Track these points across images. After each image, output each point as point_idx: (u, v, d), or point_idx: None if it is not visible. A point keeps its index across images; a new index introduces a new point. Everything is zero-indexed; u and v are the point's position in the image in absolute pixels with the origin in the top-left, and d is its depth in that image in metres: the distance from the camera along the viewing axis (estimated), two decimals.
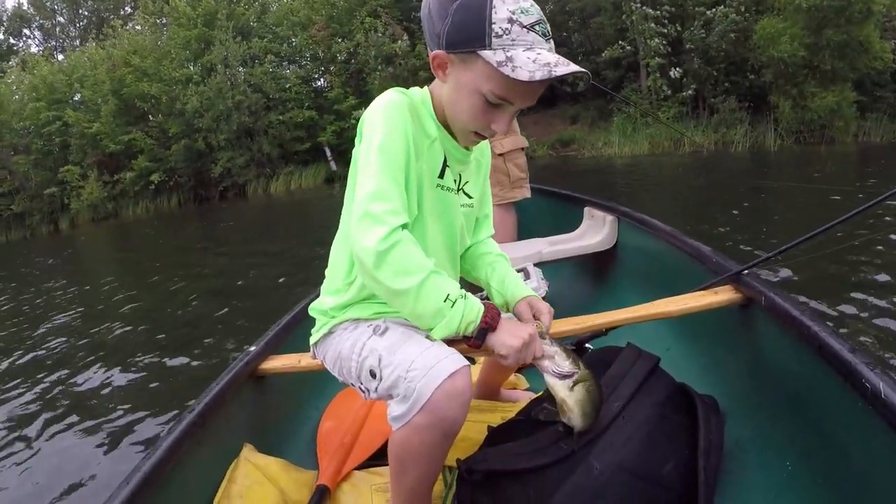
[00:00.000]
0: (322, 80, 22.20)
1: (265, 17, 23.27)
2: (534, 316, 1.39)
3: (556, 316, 2.00)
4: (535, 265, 2.50)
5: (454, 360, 1.13)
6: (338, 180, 19.11)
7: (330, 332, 1.35)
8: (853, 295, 3.53)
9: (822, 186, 6.93)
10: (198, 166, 20.81)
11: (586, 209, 3.04)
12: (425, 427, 1.11)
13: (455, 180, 1.37)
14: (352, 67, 20.29)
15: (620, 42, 17.85)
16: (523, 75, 1.08)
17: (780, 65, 15.43)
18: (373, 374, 1.20)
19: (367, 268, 1.13)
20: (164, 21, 23.53)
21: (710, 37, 16.49)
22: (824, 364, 1.19)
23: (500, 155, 3.01)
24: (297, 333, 2.00)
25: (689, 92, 16.92)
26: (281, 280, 5.99)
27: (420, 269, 1.12)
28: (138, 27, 24.28)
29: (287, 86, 20.70)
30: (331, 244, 1.41)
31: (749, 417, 1.52)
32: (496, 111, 1.19)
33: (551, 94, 20.30)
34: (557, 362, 1.20)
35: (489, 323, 1.16)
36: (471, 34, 1.11)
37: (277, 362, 1.83)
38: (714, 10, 16.56)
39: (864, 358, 1.10)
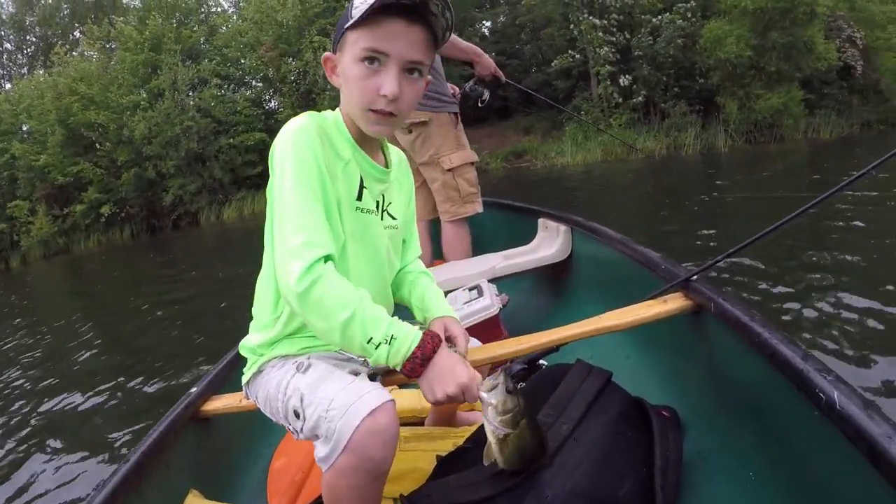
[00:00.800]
0: (273, 101, 22.03)
1: (213, 38, 23.01)
2: (447, 339, 1.32)
3: (514, 330, 1.95)
4: (490, 280, 2.44)
5: (376, 395, 1.07)
6: None
7: (259, 371, 1.29)
8: (805, 291, 3.58)
9: (771, 195, 7.08)
10: (149, 195, 20.41)
11: (540, 220, 3.00)
12: (350, 469, 1.04)
13: (378, 202, 1.32)
14: (301, 88, 20.20)
15: (570, 52, 18.14)
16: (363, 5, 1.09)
17: (728, 66, 15.89)
18: (297, 415, 1.14)
19: (293, 307, 1.10)
20: (113, 45, 23.08)
21: (657, 43, 16.84)
22: (777, 372, 1.15)
23: (449, 170, 2.96)
24: (240, 371, 1.91)
25: (640, 98, 17.31)
26: (235, 310, 5.80)
27: (343, 307, 1.07)
28: (87, 53, 23.73)
29: (237, 109, 20.42)
30: None
31: (710, 427, 1.47)
32: (378, 73, 1.13)
33: (504, 106, 20.55)
34: (490, 416, 1.12)
35: (409, 374, 1.12)
36: (341, 25, 1.17)
37: (220, 402, 1.74)
38: (660, 17, 16.94)
39: (816, 365, 1.06)
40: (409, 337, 1.11)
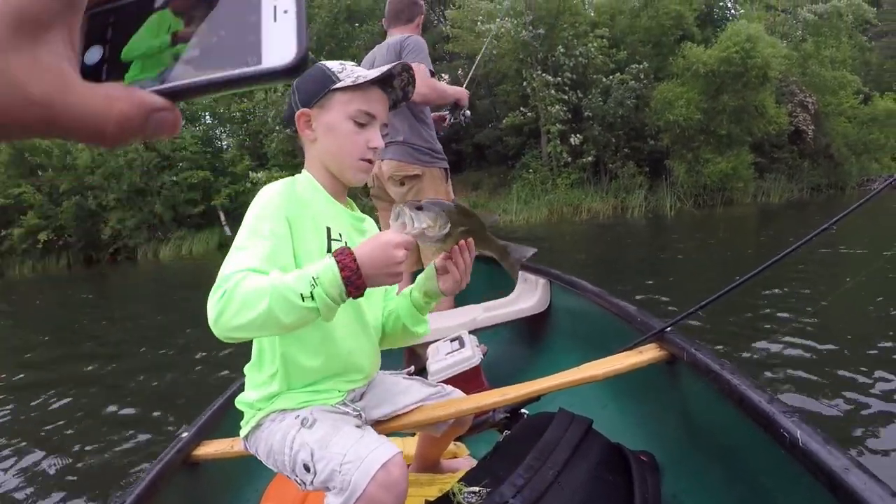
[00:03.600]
0: (221, 140, 21.86)
1: None
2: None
3: (494, 379, 2.00)
4: (471, 332, 2.50)
5: (385, 449, 1.15)
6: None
7: (258, 425, 1.33)
8: (772, 340, 3.94)
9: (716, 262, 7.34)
10: (88, 226, 19.76)
11: (519, 273, 3.09)
12: None
13: None
14: (251, 128, 20.11)
15: (522, 108, 18.31)
16: (374, 74, 1.30)
17: (676, 128, 16.20)
18: (307, 468, 1.19)
19: (220, 332, 1.06)
20: None
21: (607, 103, 17.18)
22: (746, 416, 1.25)
23: None
24: (232, 416, 1.91)
25: (590, 158, 17.50)
26: (174, 360, 5.47)
27: (262, 293, 1.03)
28: None
29: (184, 145, 20.05)
30: None
31: (684, 471, 1.57)
32: (366, 130, 1.33)
33: (458, 159, 20.77)
34: (428, 235, 1.16)
35: (358, 286, 1.07)
36: (319, 83, 1.32)
37: (211, 448, 1.74)
38: (611, 77, 17.32)
39: (781, 407, 1.17)
40: (326, 265, 1.07)
